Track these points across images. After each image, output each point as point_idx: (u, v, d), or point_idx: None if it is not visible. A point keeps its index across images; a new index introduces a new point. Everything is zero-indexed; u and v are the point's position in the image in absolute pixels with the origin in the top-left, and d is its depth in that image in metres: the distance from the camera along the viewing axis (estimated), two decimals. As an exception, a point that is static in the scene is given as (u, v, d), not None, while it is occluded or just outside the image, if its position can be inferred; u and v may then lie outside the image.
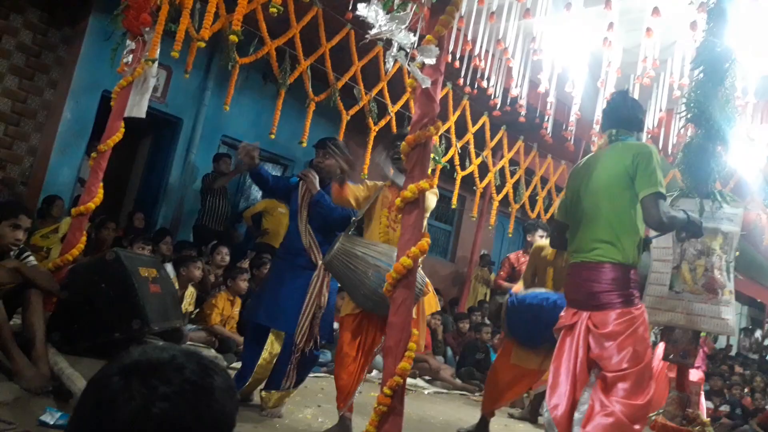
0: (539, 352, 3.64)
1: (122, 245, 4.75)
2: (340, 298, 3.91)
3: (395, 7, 2.22)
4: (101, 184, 3.53)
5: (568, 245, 2.62)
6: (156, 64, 3.52)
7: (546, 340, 3.08)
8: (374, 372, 5.09)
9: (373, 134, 5.68)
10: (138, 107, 3.65)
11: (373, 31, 2.12)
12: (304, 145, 5.23)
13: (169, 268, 4.46)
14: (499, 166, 6.76)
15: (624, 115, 2.67)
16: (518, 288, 4.11)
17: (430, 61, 2.18)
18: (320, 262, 3.33)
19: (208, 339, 4.57)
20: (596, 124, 5.57)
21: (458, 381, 5.98)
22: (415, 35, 2.21)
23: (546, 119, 5.56)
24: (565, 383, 2.38)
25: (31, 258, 3.20)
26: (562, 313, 2.57)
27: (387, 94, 5.60)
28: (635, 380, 2.23)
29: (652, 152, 2.44)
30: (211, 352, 4.29)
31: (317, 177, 3.54)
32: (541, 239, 4.62)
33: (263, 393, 3.37)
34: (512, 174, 6.95)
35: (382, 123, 5.71)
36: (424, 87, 2.21)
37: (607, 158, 2.58)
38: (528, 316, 3.65)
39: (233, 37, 3.12)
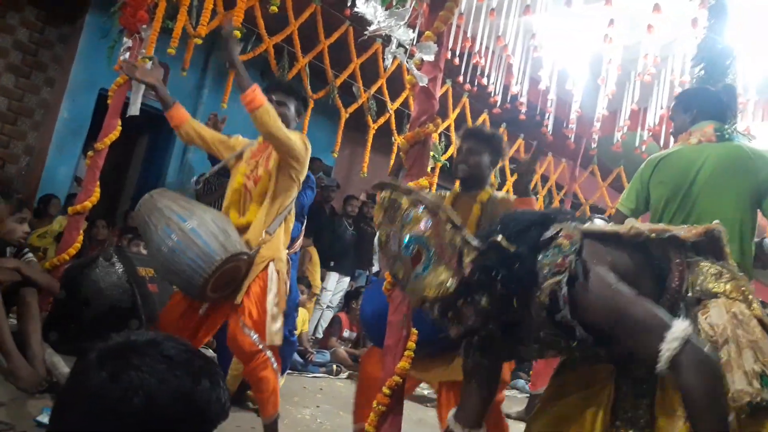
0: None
1: (119, 244, 4.72)
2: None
3: (394, 3, 2.19)
4: (98, 182, 3.51)
5: None
6: (153, 61, 3.49)
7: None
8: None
9: (372, 132, 5.65)
10: (133, 105, 3.62)
11: (372, 28, 2.09)
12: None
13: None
14: (499, 165, 6.72)
15: (722, 108, 2.51)
16: None
17: (429, 57, 2.15)
18: None
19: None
20: (597, 121, 5.54)
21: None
22: (414, 31, 2.18)
23: (546, 117, 5.54)
24: None
25: (30, 255, 3.17)
26: None
27: (386, 92, 5.57)
28: None
29: None
30: (209, 352, 4.26)
31: None
32: None
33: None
34: (512, 172, 6.92)
35: (381, 121, 5.68)
36: (422, 84, 2.18)
37: (724, 158, 2.37)
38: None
39: (237, 33, 3.08)
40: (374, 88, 5.46)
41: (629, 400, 1.53)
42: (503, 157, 2.80)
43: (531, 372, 5.50)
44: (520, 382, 6.43)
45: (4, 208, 2.93)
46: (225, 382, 0.90)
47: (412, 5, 2.14)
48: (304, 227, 4.03)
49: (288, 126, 2.77)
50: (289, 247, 3.55)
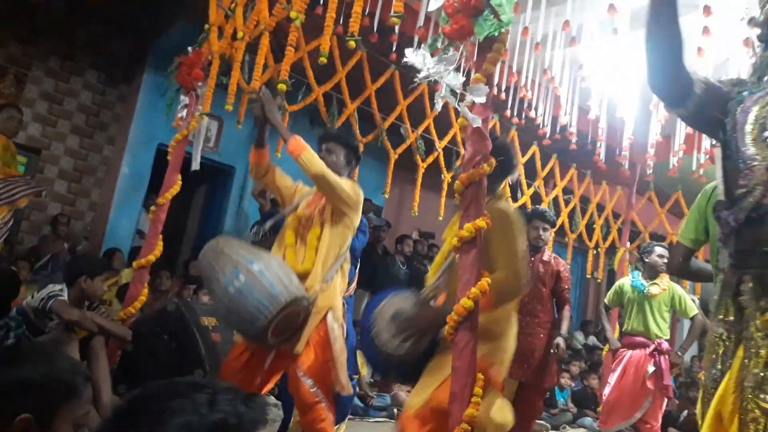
0: None
1: (181, 294, 4.84)
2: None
3: (441, 49, 2.22)
4: (160, 236, 3.62)
5: None
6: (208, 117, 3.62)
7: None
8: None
9: (421, 171, 5.67)
10: (195, 160, 3.76)
11: (422, 75, 2.12)
12: (355, 185, 5.27)
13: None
14: (552, 196, 6.64)
15: None
16: None
17: (480, 99, 2.16)
18: None
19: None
20: (651, 147, 5.43)
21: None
22: (462, 73, 2.20)
23: (598, 145, 5.46)
24: None
25: (102, 309, 3.30)
26: None
27: (433, 131, 5.61)
28: None
29: None
30: (271, 399, 4.27)
31: None
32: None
33: None
34: (566, 203, 6.81)
35: (430, 159, 5.71)
36: (475, 126, 2.18)
37: None
38: None
39: (282, 86, 3.18)
40: (422, 128, 5.51)
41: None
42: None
43: (599, 408, 5.29)
44: (588, 420, 6.20)
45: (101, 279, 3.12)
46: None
47: (461, 50, 2.16)
48: (357, 270, 4.05)
49: (338, 173, 2.82)
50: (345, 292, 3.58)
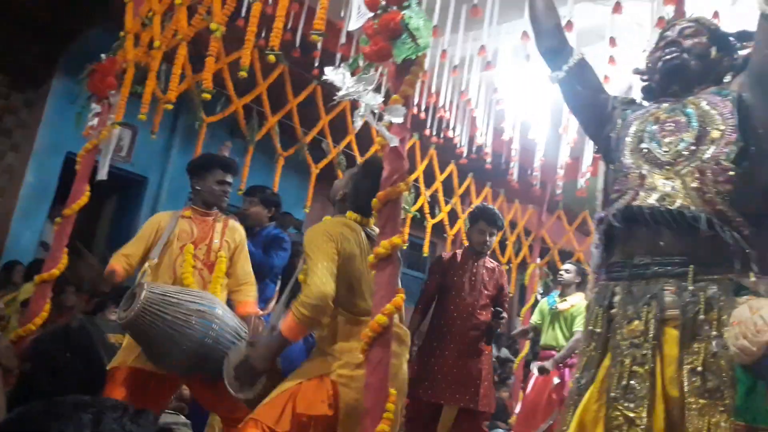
0: None
1: (89, 311, 4.61)
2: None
3: (362, 69, 2.26)
4: (66, 249, 3.45)
5: None
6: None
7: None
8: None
9: (342, 186, 5.69)
10: (102, 169, 3.61)
11: (341, 93, 2.15)
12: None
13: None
14: (467, 213, 6.83)
15: None
16: None
17: (398, 120, 2.21)
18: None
19: (177, 405, 4.40)
20: (560, 168, 5.70)
21: None
22: (381, 93, 2.25)
23: (511, 165, 5.68)
24: None
25: (-7, 325, 3.10)
26: None
27: (355, 146, 5.66)
28: None
29: None
30: (180, 419, 4.14)
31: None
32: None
33: None
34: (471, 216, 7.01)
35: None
36: (393, 145, 2.23)
37: None
38: None
39: (206, 95, 3.13)
40: (344, 144, 5.54)
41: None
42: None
43: (510, 420, 5.46)
44: (499, 432, 6.36)
45: None
46: None
47: (380, 71, 2.21)
48: (278, 287, 4.02)
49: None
50: (262, 307, 3.55)
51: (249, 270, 3.11)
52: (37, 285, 3.43)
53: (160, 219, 2.98)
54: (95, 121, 3.62)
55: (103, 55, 3.70)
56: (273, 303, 3.89)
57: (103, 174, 3.60)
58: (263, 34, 3.71)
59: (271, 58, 2.89)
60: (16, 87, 6.03)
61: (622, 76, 4.52)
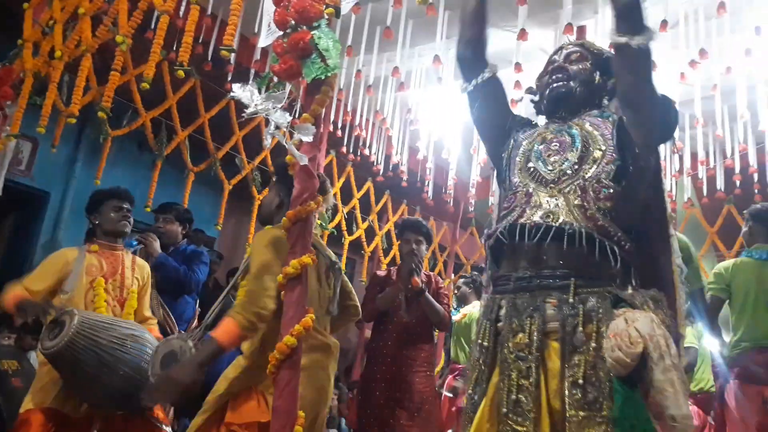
0: None
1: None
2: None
3: (272, 87, 2.25)
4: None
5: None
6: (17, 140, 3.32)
7: None
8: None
9: (257, 203, 5.61)
10: (-4, 184, 3.41)
11: (250, 110, 2.12)
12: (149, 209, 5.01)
13: (33, 357, 4.07)
14: (385, 230, 6.90)
15: None
16: None
17: (308, 138, 2.21)
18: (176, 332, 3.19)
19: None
20: (472, 187, 5.88)
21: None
22: (296, 110, 2.25)
23: (426, 183, 5.80)
24: None
25: None
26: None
27: (270, 162, 5.60)
28: None
29: None
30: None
31: (158, 240, 3.54)
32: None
33: None
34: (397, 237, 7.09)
35: (266, 191, 5.67)
36: (302, 163, 2.22)
37: None
38: None
39: (101, 114, 3.01)
40: (258, 160, 5.47)
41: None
42: None
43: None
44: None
45: None
46: None
47: (289, 89, 2.21)
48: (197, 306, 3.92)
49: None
50: (184, 329, 3.45)
51: (149, 307, 3.08)
52: None
53: (66, 254, 2.84)
54: (-12, 132, 3.42)
55: (-3, 64, 3.50)
56: (195, 322, 3.78)
57: (-3, 189, 3.39)
58: (174, 47, 3.63)
59: (180, 73, 2.83)
60: None
61: (527, 100, 4.75)
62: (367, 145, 5.41)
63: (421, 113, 4.99)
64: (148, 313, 3.01)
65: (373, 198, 6.64)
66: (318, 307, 2.48)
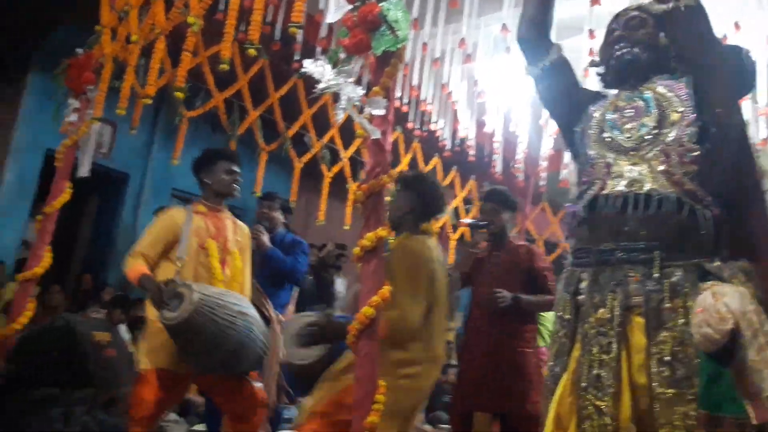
0: None
1: (73, 310, 4.58)
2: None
3: (341, 61, 2.26)
4: (48, 247, 3.41)
5: None
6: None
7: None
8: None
9: (327, 180, 5.68)
10: (83, 167, 3.58)
11: (321, 86, 2.14)
12: (258, 194, 5.18)
13: (123, 330, 4.31)
14: (453, 205, 6.84)
15: None
16: None
17: (379, 112, 2.21)
18: (274, 316, 3.30)
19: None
20: (543, 160, 5.74)
21: (428, 427, 5.89)
22: (362, 86, 2.25)
23: (494, 158, 5.70)
24: None
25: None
26: None
27: (339, 141, 5.64)
28: None
29: None
30: (171, 416, 4.13)
31: (266, 234, 3.64)
32: None
33: None
34: (467, 212, 7.03)
35: (336, 169, 5.72)
36: (374, 137, 2.23)
37: None
38: None
39: (179, 94, 3.10)
40: (326, 138, 5.52)
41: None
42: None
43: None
44: None
45: None
46: None
47: (360, 63, 2.21)
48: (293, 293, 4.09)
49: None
50: (282, 312, 3.65)
51: (249, 273, 3.15)
52: (20, 284, 3.40)
53: (175, 216, 2.96)
54: (73, 116, 3.58)
55: (79, 50, 3.65)
56: (291, 307, 3.97)
57: (83, 171, 3.56)
58: (243, 28, 3.69)
59: (251, 51, 2.88)
60: (-9, 83, 5.94)
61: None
62: (433, 120, 5.35)
63: (488, 85, 4.88)
64: (247, 276, 3.08)
65: (440, 174, 6.58)
66: (442, 317, 2.56)
